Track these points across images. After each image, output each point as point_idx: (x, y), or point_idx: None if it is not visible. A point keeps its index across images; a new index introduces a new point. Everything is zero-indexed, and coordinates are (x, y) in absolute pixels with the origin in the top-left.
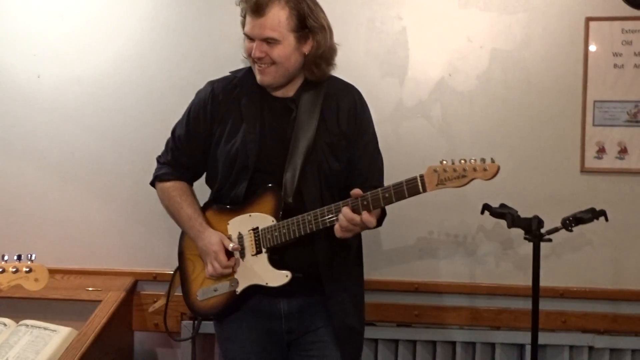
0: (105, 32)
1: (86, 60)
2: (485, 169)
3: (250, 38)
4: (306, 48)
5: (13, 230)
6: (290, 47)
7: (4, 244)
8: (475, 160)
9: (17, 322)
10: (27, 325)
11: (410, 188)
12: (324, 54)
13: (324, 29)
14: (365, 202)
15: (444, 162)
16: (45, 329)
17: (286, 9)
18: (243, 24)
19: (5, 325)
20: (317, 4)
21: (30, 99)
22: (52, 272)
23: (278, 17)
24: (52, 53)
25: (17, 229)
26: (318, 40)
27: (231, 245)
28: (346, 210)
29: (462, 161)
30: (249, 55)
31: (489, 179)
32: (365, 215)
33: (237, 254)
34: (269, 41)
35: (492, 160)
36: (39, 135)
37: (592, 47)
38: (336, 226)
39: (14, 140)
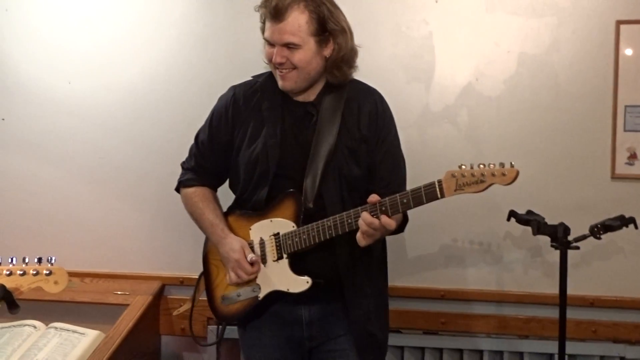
0: (134, 40)
1: (115, 68)
2: (503, 174)
3: (270, 43)
4: (327, 51)
5: (44, 232)
6: (311, 52)
7: (36, 246)
8: (494, 165)
9: (47, 324)
10: (56, 328)
11: (428, 193)
12: (345, 57)
13: (345, 32)
14: (383, 208)
15: (463, 166)
16: (73, 331)
17: (306, 12)
18: (263, 30)
19: (35, 327)
20: (336, 7)
21: (61, 105)
22: (81, 275)
23: (298, 22)
24: (83, 60)
25: (49, 231)
26: (339, 43)
27: (250, 256)
28: (365, 214)
29: (481, 166)
30: (270, 60)
31: (508, 184)
32: (384, 218)
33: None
34: (290, 46)
35: (512, 165)
36: (69, 140)
37: (623, 51)
38: (358, 235)
39: (46, 144)
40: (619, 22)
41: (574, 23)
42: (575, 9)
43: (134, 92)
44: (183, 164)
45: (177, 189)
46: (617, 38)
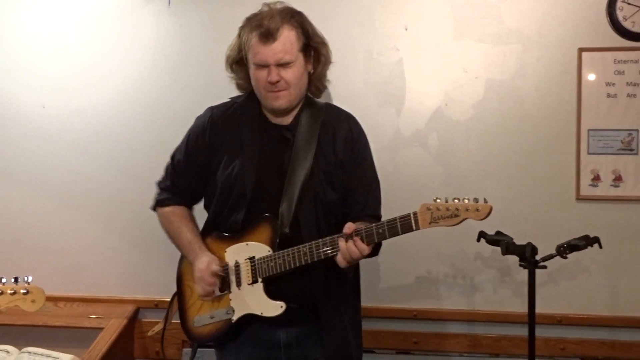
0: (109, 64)
1: (90, 91)
2: (477, 209)
3: (260, 66)
4: (309, 66)
5: (17, 257)
6: (301, 67)
7: (8, 271)
8: (468, 199)
9: (20, 349)
10: (29, 353)
11: (404, 225)
12: (327, 69)
13: (326, 44)
14: (359, 237)
15: (438, 200)
16: (47, 356)
17: (294, 29)
18: (239, 56)
19: (8, 352)
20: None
21: (34, 129)
22: (55, 299)
23: (290, 39)
24: (57, 84)
25: (21, 256)
26: (325, 54)
27: (214, 267)
28: (342, 242)
29: (456, 200)
30: (261, 82)
31: (482, 219)
32: (358, 242)
33: (233, 283)
34: (283, 65)
35: (485, 201)
36: (42, 164)
37: (585, 77)
38: (338, 257)
39: (19, 169)
40: (581, 50)
41: (538, 50)
42: (540, 36)
43: (108, 115)
44: (159, 183)
45: (153, 208)
46: (579, 65)
